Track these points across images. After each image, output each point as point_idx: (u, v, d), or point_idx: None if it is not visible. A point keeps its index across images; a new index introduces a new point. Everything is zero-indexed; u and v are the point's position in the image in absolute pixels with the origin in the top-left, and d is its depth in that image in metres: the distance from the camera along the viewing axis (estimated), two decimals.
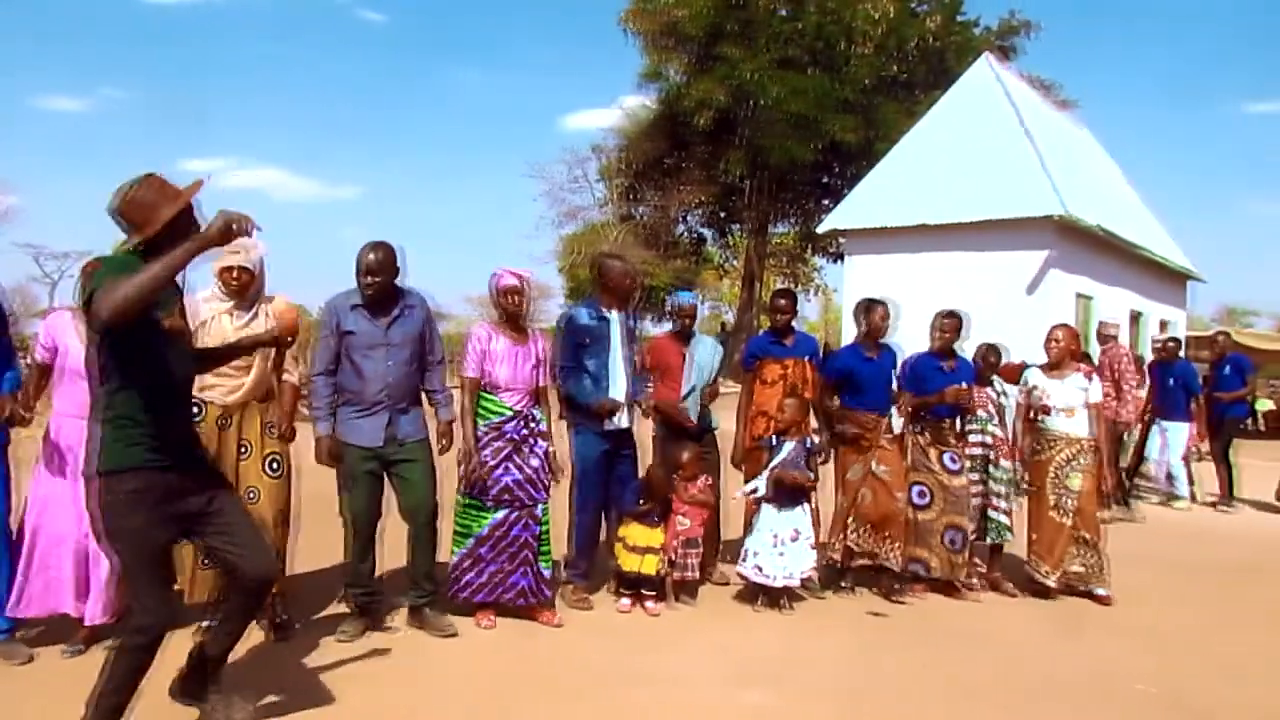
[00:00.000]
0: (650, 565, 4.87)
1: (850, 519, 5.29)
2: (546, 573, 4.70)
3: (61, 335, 3.91)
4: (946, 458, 5.41)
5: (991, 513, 5.54)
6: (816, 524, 5.16)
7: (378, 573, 4.43)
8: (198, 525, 2.97)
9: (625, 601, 4.93)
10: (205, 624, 3.86)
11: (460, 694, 3.72)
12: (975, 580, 5.53)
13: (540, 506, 4.65)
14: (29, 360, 4.17)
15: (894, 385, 5.48)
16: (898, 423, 5.44)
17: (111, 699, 2.85)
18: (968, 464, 5.47)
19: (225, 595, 3.38)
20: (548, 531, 4.71)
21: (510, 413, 4.58)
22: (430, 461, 4.39)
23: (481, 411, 4.57)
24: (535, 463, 4.64)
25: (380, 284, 4.17)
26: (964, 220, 15.50)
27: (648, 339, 5.71)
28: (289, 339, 3.41)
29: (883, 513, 5.21)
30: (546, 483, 4.69)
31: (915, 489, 5.38)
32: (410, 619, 4.46)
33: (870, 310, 5.46)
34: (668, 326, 5.83)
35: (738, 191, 28.31)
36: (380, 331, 4.22)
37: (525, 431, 4.62)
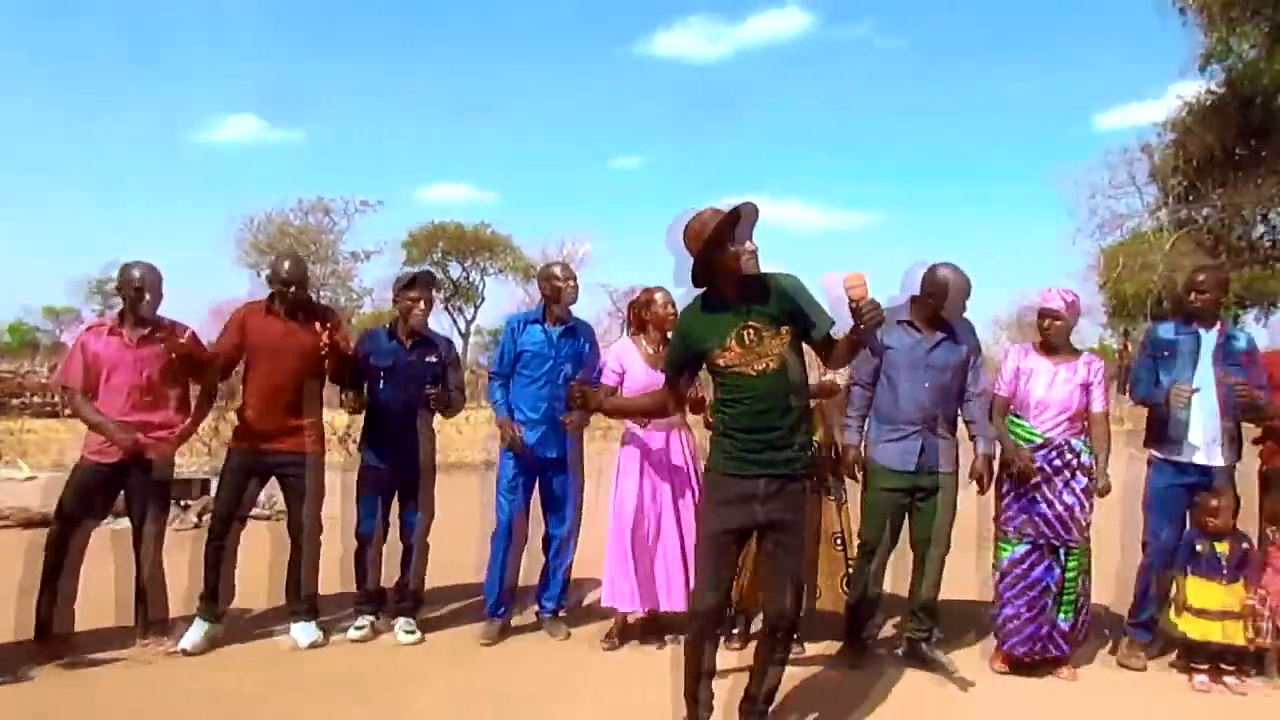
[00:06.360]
0: (1234, 633, 4.04)
1: None
2: (1064, 625, 4.14)
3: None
4: None
5: None
6: None
7: None
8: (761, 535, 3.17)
9: (1203, 679, 4.12)
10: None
11: None
12: None
13: (1069, 549, 4.13)
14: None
15: None
16: None
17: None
18: None
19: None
20: (1076, 579, 4.16)
21: (1040, 439, 4.16)
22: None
23: (1012, 436, 4.21)
24: (1069, 499, 4.13)
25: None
26: None
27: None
28: None
29: None
30: (1084, 522, 4.16)
31: None
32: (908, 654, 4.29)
33: None
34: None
35: None
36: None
37: (1059, 463, 4.14)
